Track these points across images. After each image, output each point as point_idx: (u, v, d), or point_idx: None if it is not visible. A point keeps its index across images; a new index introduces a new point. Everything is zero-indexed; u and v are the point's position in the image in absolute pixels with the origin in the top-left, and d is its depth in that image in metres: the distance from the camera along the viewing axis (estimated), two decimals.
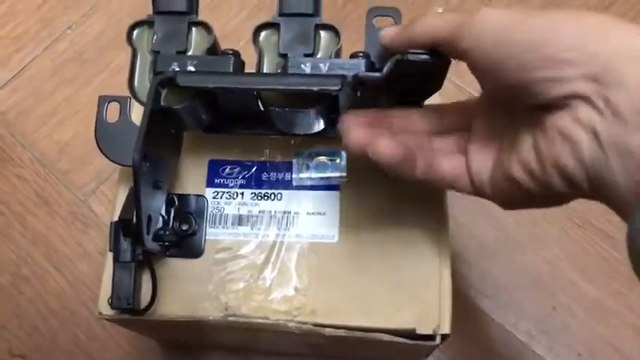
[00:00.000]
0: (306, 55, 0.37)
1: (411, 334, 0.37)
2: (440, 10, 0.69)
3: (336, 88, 0.32)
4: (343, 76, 0.33)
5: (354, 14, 0.69)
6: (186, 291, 0.39)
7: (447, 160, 0.34)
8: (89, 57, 0.68)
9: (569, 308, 0.53)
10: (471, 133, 0.34)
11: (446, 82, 0.35)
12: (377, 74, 0.32)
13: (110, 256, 0.39)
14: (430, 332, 0.37)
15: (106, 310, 0.39)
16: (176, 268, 0.39)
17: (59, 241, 0.59)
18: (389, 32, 0.33)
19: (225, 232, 0.40)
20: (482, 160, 0.33)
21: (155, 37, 0.38)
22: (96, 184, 0.61)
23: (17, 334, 0.56)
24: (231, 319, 0.38)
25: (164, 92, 0.36)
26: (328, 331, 0.38)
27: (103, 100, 0.40)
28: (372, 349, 0.43)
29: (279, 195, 0.41)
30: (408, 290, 0.38)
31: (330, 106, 0.36)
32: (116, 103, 0.40)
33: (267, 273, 0.39)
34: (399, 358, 0.49)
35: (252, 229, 0.40)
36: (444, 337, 0.38)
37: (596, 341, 0.52)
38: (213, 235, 0.40)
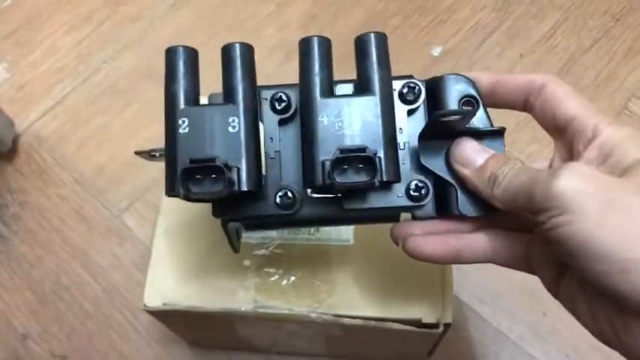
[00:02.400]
0: None
1: (417, 323, 0.43)
2: (438, 51, 0.76)
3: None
4: None
5: None
6: (220, 285, 0.45)
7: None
8: (122, 88, 0.75)
9: (558, 314, 0.58)
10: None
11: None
12: None
13: (154, 253, 0.45)
14: (434, 321, 0.43)
15: (151, 303, 0.44)
16: (212, 263, 0.45)
17: (96, 253, 0.65)
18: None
19: (259, 233, 0.46)
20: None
21: None
22: (129, 201, 0.67)
23: (58, 336, 0.61)
24: (260, 310, 0.44)
25: None
26: (346, 320, 0.43)
27: None
28: (383, 341, 0.49)
29: None
30: (415, 285, 0.44)
31: None
32: None
33: (293, 270, 0.45)
34: (407, 351, 0.54)
35: (282, 232, 0.46)
36: (446, 326, 0.43)
37: (582, 343, 0.57)
38: (248, 235, 0.46)
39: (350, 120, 0.32)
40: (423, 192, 0.34)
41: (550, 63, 0.74)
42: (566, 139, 0.33)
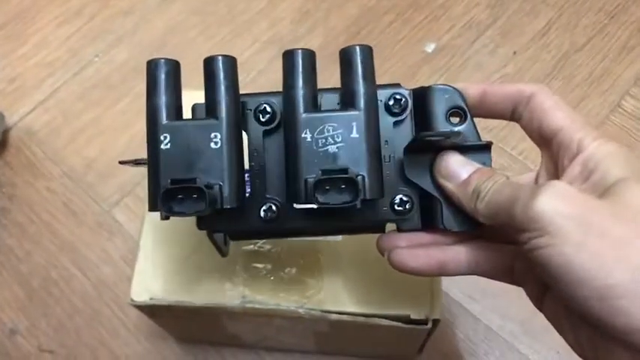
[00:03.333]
0: None
1: (406, 320, 0.43)
2: (432, 47, 0.76)
3: None
4: None
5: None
6: (208, 280, 0.44)
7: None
8: (114, 83, 0.74)
9: None
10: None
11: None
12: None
13: (142, 248, 0.45)
14: (423, 317, 0.43)
15: (138, 298, 0.44)
16: (200, 258, 0.45)
17: (85, 248, 0.65)
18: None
19: None
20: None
21: None
22: (120, 196, 0.67)
23: (46, 331, 0.61)
24: (248, 305, 0.44)
25: None
26: (334, 316, 0.43)
27: None
28: (372, 337, 0.49)
29: None
30: (403, 282, 0.43)
31: None
32: None
33: (282, 266, 0.45)
34: (396, 348, 0.54)
35: None
36: (435, 322, 0.43)
37: None
38: None
39: (334, 137, 0.32)
40: (407, 206, 0.35)
41: (544, 60, 0.74)
42: (552, 152, 0.32)
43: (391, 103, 0.34)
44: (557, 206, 0.26)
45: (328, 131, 0.32)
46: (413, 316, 0.43)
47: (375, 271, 0.44)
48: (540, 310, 0.32)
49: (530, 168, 0.67)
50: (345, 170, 0.31)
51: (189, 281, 0.44)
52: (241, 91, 0.34)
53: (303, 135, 0.32)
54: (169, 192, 0.30)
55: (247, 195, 0.34)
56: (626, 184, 0.27)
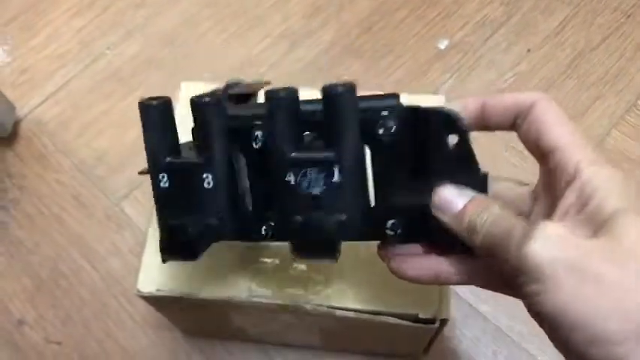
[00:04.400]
0: None
1: (413, 318, 0.42)
2: (445, 44, 0.75)
3: None
4: None
5: (367, 45, 0.75)
6: (215, 272, 0.44)
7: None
8: (125, 75, 0.74)
9: None
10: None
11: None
12: None
13: (150, 239, 0.45)
14: (431, 317, 0.42)
15: (144, 289, 0.44)
16: (210, 251, 0.45)
17: (94, 240, 0.65)
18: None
19: None
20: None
21: None
22: (129, 189, 0.67)
23: (53, 322, 0.61)
24: (254, 299, 0.43)
25: None
26: (340, 312, 0.43)
27: None
28: (378, 335, 0.48)
29: None
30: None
31: None
32: None
33: (290, 261, 0.44)
34: (402, 347, 0.54)
35: None
36: (442, 322, 0.42)
37: None
38: None
39: (317, 180, 0.32)
40: (399, 231, 0.34)
41: (558, 59, 0.73)
42: (549, 168, 0.31)
43: (381, 131, 0.33)
44: (549, 253, 0.26)
45: (310, 174, 0.33)
46: (421, 316, 0.42)
47: (384, 268, 0.44)
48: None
49: None
50: (324, 236, 0.33)
51: (196, 273, 0.44)
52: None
53: (287, 178, 0.33)
54: (168, 243, 0.34)
55: (248, 211, 0.36)
56: (622, 219, 0.26)
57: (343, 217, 0.32)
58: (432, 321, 0.42)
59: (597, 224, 0.27)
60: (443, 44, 0.75)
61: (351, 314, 0.43)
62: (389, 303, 0.43)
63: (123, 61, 0.76)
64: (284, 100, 0.33)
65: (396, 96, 0.33)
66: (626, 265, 0.25)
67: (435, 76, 0.72)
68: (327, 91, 0.32)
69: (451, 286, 0.43)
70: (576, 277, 0.25)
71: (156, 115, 0.35)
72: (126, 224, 0.65)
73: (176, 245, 0.35)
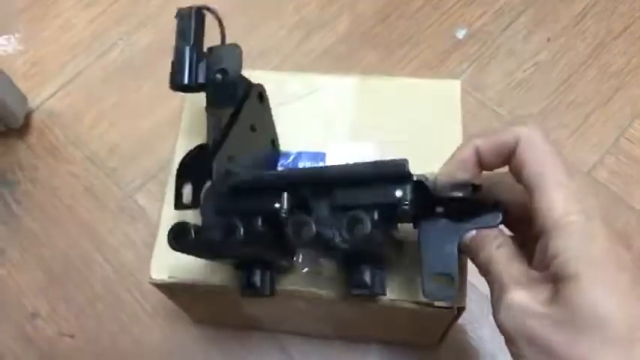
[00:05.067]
0: None
1: (430, 306, 0.41)
2: (463, 33, 0.73)
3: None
4: None
5: (383, 35, 0.73)
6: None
7: None
8: (137, 66, 0.73)
9: None
10: None
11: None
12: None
13: (162, 227, 0.44)
14: (448, 305, 0.41)
15: (157, 276, 0.43)
16: None
17: (107, 232, 0.64)
18: None
19: None
20: None
21: None
22: (142, 181, 0.66)
23: (66, 316, 0.60)
24: None
25: None
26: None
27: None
28: (394, 322, 0.47)
29: None
30: None
31: None
32: None
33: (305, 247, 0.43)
34: (417, 335, 0.52)
35: None
36: (459, 310, 0.41)
37: None
38: None
39: None
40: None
41: (578, 48, 0.71)
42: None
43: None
44: (512, 324, 0.30)
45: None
46: (437, 304, 0.41)
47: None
48: None
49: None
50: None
51: (209, 262, 0.43)
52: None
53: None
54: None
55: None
56: (578, 285, 0.27)
57: None
58: (448, 307, 0.41)
59: (557, 288, 0.28)
60: (461, 33, 0.73)
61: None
62: (405, 290, 0.41)
63: (135, 51, 0.75)
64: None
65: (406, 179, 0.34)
66: (577, 338, 0.27)
67: (452, 65, 0.71)
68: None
69: (467, 277, 0.42)
70: (534, 348, 0.28)
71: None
72: (139, 216, 0.64)
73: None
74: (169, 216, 0.45)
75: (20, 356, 0.59)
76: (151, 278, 0.43)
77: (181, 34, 0.40)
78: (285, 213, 0.36)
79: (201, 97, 0.42)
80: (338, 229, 0.32)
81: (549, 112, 0.67)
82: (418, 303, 0.41)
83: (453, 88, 0.49)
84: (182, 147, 0.47)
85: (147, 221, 0.64)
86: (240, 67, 0.39)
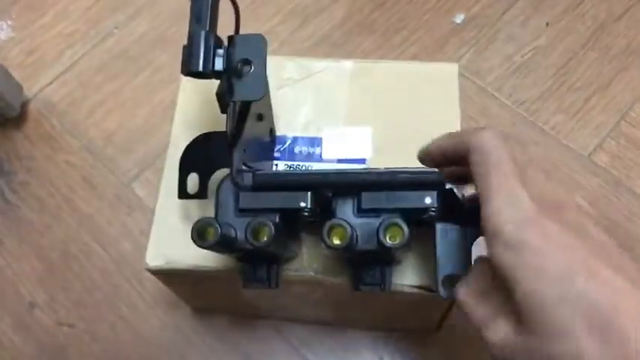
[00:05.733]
0: None
1: (429, 290, 0.41)
2: (461, 18, 0.73)
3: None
4: None
5: (380, 20, 0.73)
6: None
7: None
8: (133, 55, 0.73)
9: None
10: None
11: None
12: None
13: (158, 214, 0.44)
14: None
15: (153, 262, 0.43)
16: None
17: (105, 222, 0.64)
18: None
19: None
20: None
21: None
22: (139, 169, 0.66)
23: (65, 305, 0.60)
24: None
25: None
26: None
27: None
28: (392, 308, 0.47)
29: (310, 167, 0.45)
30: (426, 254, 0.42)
31: None
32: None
33: (303, 233, 0.42)
34: (415, 320, 0.52)
35: None
36: None
37: None
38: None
39: None
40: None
41: (578, 31, 0.71)
42: None
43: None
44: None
45: None
46: (434, 288, 0.41)
47: None
48: None
49: (562, 143, 0.64)
50: None
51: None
52: None
53: None
54: None
55: None
56: (534, 314, 0.27)
57: None
58: None
59: (516, 315, 0.28)
60: (459, 18, 0.72)
61: None
62: (405, 275, 0.41)
63: (132, 40, 0.74)
64: None
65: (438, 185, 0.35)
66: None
67: (451, 51, 0.70)
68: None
69: None
70: None
71: None
72: (136, 205, 0.64)
73: None
74: (165, 204, 0.44)
75: (19, 345, 0.58)
76: (147, 265, 0.43)
77: (196, 18, 0.38)
78: (308, 212, 0.36)
79: (196, 86, 0.42)
80: (367, 233, 0.34)
81: (549, 96, 0.67)
82: (418, 287, 0.41)
83: (450, 71, 0.48)
84: (177, 136, 0.46)
85: (144, 211, 0.63)
86: (265, 59, 0.38)
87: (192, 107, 0.47)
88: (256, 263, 0.39)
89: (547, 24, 0.72)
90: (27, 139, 0.68)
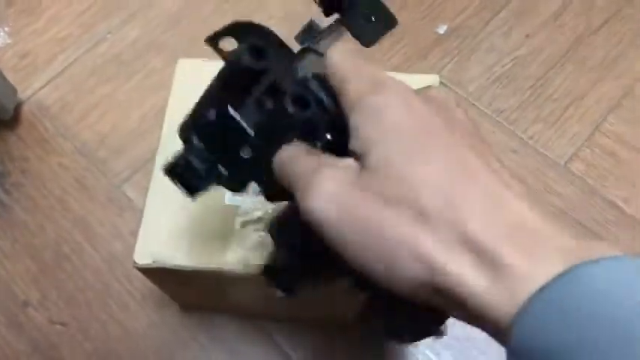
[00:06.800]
0: None
1: None
2: (444, 29, 0.75)
3: None
4: None
5: None
6: (211, 245, 0.44)
7: None
8: (126, 59, 0.75)
9: None
10: None
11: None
12: None
13: (147, 212, 0.45)
14: None
15: (141, 260, 0.44)
16: (203, 223, 0.45)
17: (96, 223, 0.65)
18: None
19: (247, 199, 0.46)
20: None
21: None
22: (131, 172, 0.68)
23: (57, 304, 0.62)
24: (249, 271, 0.43)
25: None
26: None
27: None
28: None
29: None
30: None
31: None
32: None
33: None
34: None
35: None
36: None
37: None
38: (241, 199, 0.46)
39: None
40: None
41: (558, 42, 0.73)
42: None
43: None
44: (324, 215, 0.26)
45: None
46: None
47: None
48: None
49: (540, 151, 0.67)
50: None
51: (192, 246, 0.45)
52: None
53: None
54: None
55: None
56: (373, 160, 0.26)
57: None
58: None
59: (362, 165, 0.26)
60: (442, 29, 0.75)
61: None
62: None
63: (125, 44, 0.76)
64: None
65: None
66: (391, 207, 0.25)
67: (434, 60, 0.73)
68: None
69: None
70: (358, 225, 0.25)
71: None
72: (127, 206, 0.66)
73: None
74: (154, 203, 0.46)
75: (12, 343, 0.60)
76: (135, 263, 0.45)
77: None
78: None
79: (186, 91, 0.43)
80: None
81: (527, 105, 0.69)
82: None
83: (431, 83, 0.51)
84: (166, 140, 0.48)
85: (135, 212, 0.65)
86: None
87: (183, 111, 0.49)
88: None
89: (527, 35, 0.74)
90: (21, 141, 0.70)
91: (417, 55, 0.73)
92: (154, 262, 0.44)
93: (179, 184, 0.34)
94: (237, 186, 0.34)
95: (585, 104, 0.69)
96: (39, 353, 0.60)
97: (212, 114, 0.33)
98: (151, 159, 0.66)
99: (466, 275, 0.23)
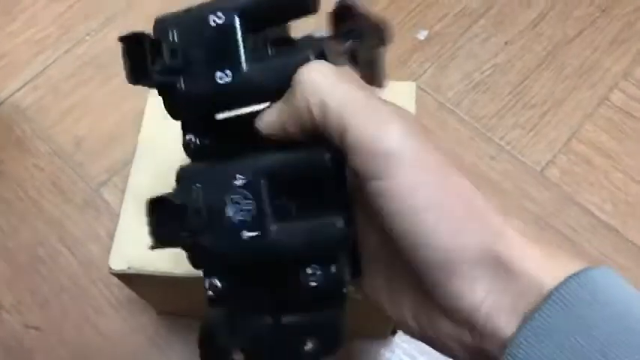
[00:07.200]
0: None
1: None
2: (424, 35, 0.76)
3: None
4: None
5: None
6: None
7: None
8: (105, 61, 0.74)
9: None
10: None
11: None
12: None
13: (123, 217, 0.45)
14: None
15: (116, 266, 0.44)
16: None
17: (72, 226, 0.65)
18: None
19: None
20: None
21: None
22: (108, 175, 0.67)
23: (31, 308, 0.61)
24: None
25: None
26: None
27: None
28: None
29: None
30: None
31: None
32: None
33: None
34: (370, 326, 0.54)
35: None
36: None
37: None
38: None
39: None
40: None
41: (535, 51, 0.74)
42: None
43: None
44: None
45: None
46: None
47: None
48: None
49: (517, 158, 0.67)
50: None
51: (169, 251, 0.44)
52: None
53: None
54: None
55: None
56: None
57: None
58: None
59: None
60: (422, 35, 0.75)
61: None
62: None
63: (103, 47, 0.75)
64: None
65: None
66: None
67: (414, 66, 0.73)
68: None
69: None
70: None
71: None
72: (104, 210, 0.65)
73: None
74: (130, 209, 0.46)
75: None
76: (110, 268, 0.44)
77: None
78: None
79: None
80: None
81: (505, 112, 0.70)
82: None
83: (407, 90, 0.51)
84: (143, 144, 0.48)
85: (111, 215, 0.65)
86: None
87: (160, 115, 0.49)
88: None
89: (506, 43, 0.75)
90: None
91: (397, 60, 0.73)
92: (129, 267, 0.44)
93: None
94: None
95: (562, 111, 0.70)
96: (12, 358, 0.59)
97: None
98: (129, 162, 0.66)
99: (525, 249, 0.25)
